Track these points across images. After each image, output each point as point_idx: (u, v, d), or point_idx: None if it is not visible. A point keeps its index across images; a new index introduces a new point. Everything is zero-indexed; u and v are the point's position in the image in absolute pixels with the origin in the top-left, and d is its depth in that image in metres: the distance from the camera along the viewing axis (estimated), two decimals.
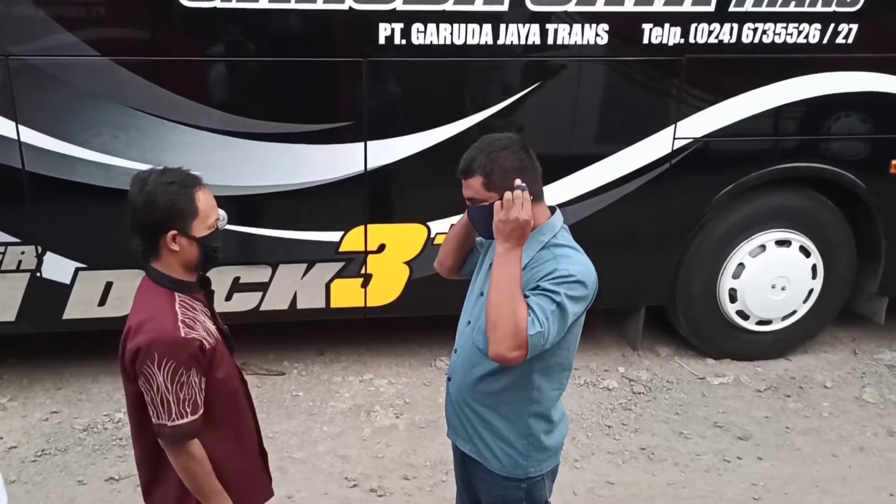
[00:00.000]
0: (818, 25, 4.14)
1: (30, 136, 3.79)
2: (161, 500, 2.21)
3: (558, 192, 4.18)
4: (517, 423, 2.18)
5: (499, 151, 2.04)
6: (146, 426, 2.10)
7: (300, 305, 4.22)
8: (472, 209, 2.14)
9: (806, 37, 4.15)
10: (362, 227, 4.13)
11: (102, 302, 4.07)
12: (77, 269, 4.02)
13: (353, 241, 4.13)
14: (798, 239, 4.53)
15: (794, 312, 4.64)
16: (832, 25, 4.15)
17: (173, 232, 2.04)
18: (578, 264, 2.07)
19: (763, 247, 4.51)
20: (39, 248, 3.96)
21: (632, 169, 4.24)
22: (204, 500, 2.12)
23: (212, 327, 2.14)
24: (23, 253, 3.95)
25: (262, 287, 4.15)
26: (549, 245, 2.09)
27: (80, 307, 4.09)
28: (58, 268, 3.99)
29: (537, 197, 2.10)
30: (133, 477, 3.61)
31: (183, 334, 2.01)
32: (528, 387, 2.14)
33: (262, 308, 4.16)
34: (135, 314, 2.08)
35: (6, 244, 3.93)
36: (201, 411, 2.06)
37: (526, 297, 2.03)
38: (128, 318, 2.10)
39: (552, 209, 2.20)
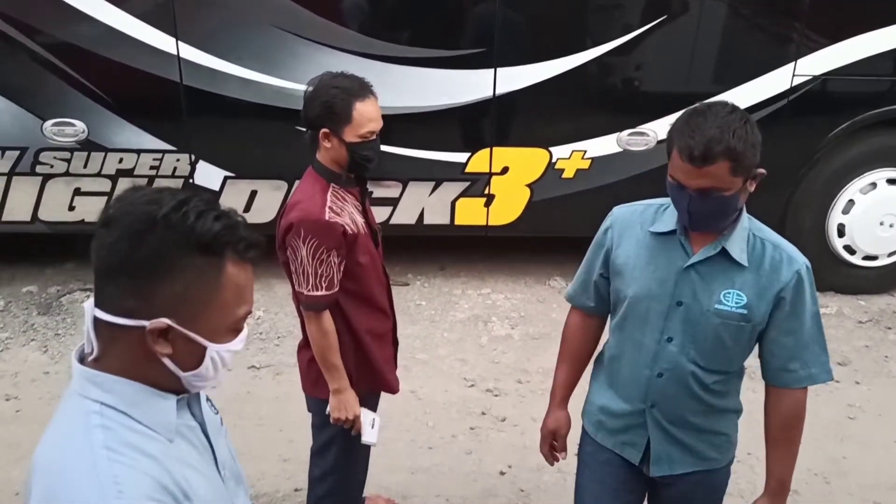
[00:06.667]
0: None
1: (188, 52, 4.12)
2: (305, 355, 2.55)
3: None
4: (735, 412, 2.06)
5: (742, 127, 1.71)
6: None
7: (426, 221, 4.51)
8: (700, 201, 1.75)
9: None
10: (488, 149, 4.36)
11: (247, 209, 4.44)
12: (226, 178, 4.38)
13: (478, 162, 4.38)
14: None
15: None
16: None
17: (325, 130, 2.31)
18: (795, 248, 1.90)
19: (874, 184, 4.59)
20: (193, 157, 4.33)
21: (750, 104, 4.32)
22: (324, 370, 2.42)
23: (359, 219, 2.41)
24: (178, 160, 4.33)
25: (393, 202, 4.46)
26: (753, 231, 1.88)
27: None
28: (208, 175, 4.36)
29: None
30: (272, 367, 4.03)
31: (327, 218, 2.29)
32: (742, 373, 2.03)
33: (392, 222, 4.48)
34: (294, 195, 2.41)
35: (163, 151, 4.31)
36: (336, 289, 2.35)
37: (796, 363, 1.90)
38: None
39: None
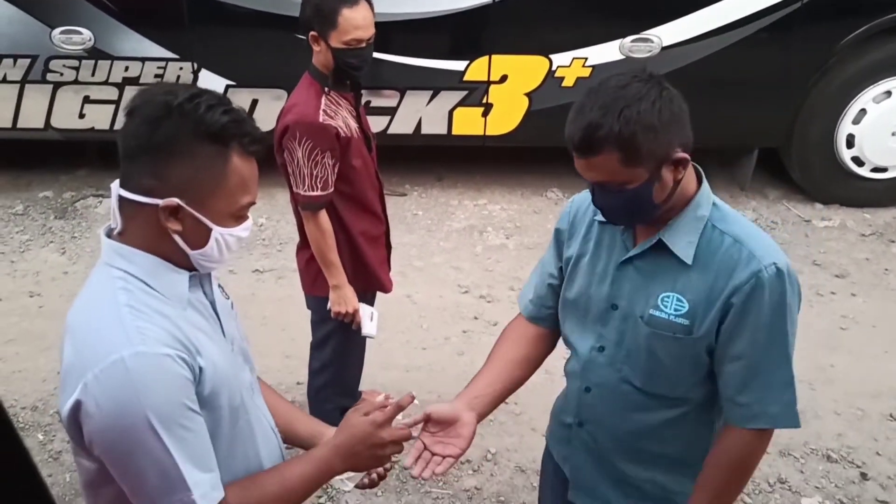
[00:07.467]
0: None
1: None
2: (303, 255, 2.66)
3: (682, 29, 4.21)
4: (698, 461, 1.61)
5: (634, 104, 1.36)
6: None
7: (424, 131, 4.52)
8: (601, 195, 1.48)
9: None
10: (486, 57, 4.31)
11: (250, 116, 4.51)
12: (227, 86, 4.43)
13: (477, 70, 4.33)
14: None
15: None
16: None
17: (313, 33, 2.37)
18: (770, 244, 1.50)
19: (888, 93, 4.42)
20: (195, 65, 4.39)
21: (761, 7, 4.17)
22: (323, 267, 2.53)
23: (353, 124, 2.47)
24: (181, 69, 4.40)
25: (391, 111, 4.47)
26: (714, 220, 1.51)
27: None
28: (211, 84, 4.37)
29: (688, 150, 1.45)
30: (275, 271, 4.18)
31: (321, 120, 2.37)
32: (712, 411, 1.61)
33: (390, 131, 4.49)
34: (290, 98, 2.47)
35: (167, 60, 4.38)
36: (330, 190, 2.44)
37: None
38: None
39: (695, 169, 1.53)
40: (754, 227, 1.53)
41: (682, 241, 1.49)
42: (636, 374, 1.57)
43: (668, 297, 1.50)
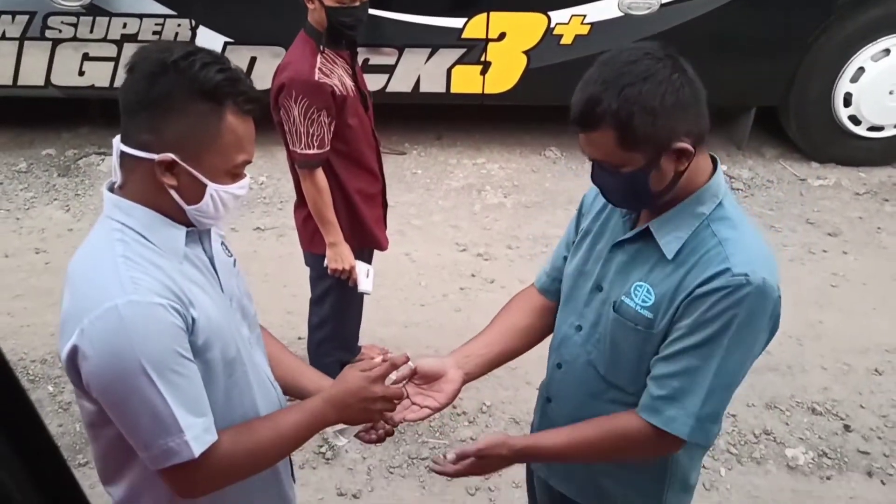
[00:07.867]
0: None
1: None
2: (300, 213, 2.71)
3: None
4: (654, 465, 1.60)
5: (638, 83, 1.28)
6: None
7: (423, 89, 4.52)
8: (598, 174, 1.43)
9: None
10: (485, 14, 4.30)
11: (247, 75, 4.51)
12: (225, 44, 4.43)
13: (475, 28, 4.32)
14: None
15: None
16: None
17: None
18: (756, 258, 1.38)
19: (887, 51, 4.41)
20: (193, 22, 4.38)
21: None
22: (320, 224, 2.58)
23: (349, 82, 2.49)
24: (179, 25, 4.40)
25: (389, 69, 4.46)
26: (712, 220, 1.41)
27: None
28: (209, 41, 4.38)
29: (699, 140, 1.36)
30: (276, 228, 4.22)
31: (317, 78, 2.39)
32: None
33: (388, 90, 4.50)
34: (286, 56, 2.50)
35: (165, 16, 4.37)
36: (327, 148, 2.47)
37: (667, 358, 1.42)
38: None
39: (712, 159, 1.46)
40: (751, 236, 1.42)
41: (669, 234, 1.42)
42: (601, 359, 1.54)
43: (640, 286, 1.45)
